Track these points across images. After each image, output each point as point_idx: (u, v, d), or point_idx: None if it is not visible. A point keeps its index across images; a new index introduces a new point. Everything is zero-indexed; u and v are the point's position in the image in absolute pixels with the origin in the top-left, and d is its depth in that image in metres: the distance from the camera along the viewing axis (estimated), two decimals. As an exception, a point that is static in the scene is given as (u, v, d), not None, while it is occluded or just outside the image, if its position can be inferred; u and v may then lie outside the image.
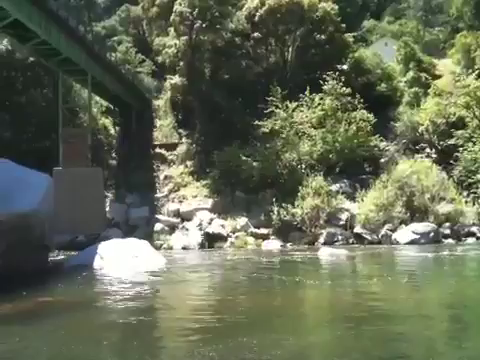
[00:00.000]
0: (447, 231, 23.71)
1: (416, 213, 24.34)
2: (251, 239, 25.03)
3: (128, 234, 24.61)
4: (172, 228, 27.10)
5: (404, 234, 23.37)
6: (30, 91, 33.08)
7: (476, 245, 21.85)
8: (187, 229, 26.39)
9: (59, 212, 17.89)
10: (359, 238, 24.11)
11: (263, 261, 19.31)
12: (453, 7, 46.41)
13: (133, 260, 16.76)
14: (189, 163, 32.39)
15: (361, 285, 13.69)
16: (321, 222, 24.67)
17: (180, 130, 34.96)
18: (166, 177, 32.40)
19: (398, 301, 11.06)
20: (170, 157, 33.89)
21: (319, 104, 29.46)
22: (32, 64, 32.93)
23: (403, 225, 23.92)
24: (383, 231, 23.96)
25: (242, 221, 25.80)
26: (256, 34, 34.40)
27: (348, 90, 29.45)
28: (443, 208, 24.28)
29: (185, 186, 31.05)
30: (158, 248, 22.53)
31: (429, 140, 29.78)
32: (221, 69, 35.14)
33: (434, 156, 29.02)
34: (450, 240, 23.29)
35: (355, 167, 28.06)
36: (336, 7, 35.36)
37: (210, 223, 26.17)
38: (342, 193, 26.25)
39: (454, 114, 29.07)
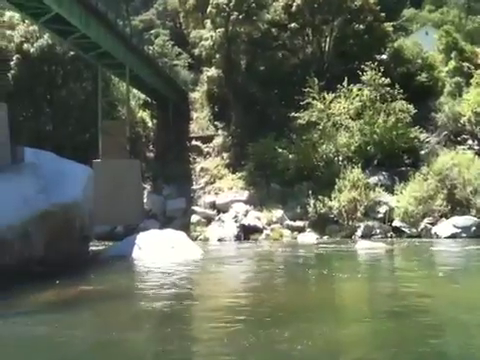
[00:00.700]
0: (489, 225, 22.97)
1: (457, 206, 23.65)
2: (287, 231, 24.96)
3: (165, 225, 24.98)
4: (208, 220, 27.30)
5: (444, 228, 22.78)
6: (70, 85, 33.86)
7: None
8: (223, 221, 26.50)
9: (98, 203, 18.26)
10: (398, 231, 23.65)
11: (299, 254, 19.23)
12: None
13: (170, 251, 16.98)
14: (225, 155, 32.49)
15: (399, 279, 13.43)
16: (358, 215, 24.33)
17: (216, 122, 35.05)
18: (202, 169, 32.61)
19: (437, 296, 10.80)
20: (206, 149, 34.07)
21: (357, 95, 28.92)
22: (72, 58, 33.62)
23: (443, 218, 23.32)
24: (423, 224, 23.43)
25: (278, 213, 25.74)
26: (293, 25, 33.99)
27: (387, 80, 28.79)
28: (486, 201, 23.53)
29: (221, 178, 31.20)
30: (194, 239, 22.73)
31: (471, 131, 28.84)
32: (257, 61, 34.97)
33: (476, 148, 28.07)
34: (493, 234, 22.56)
35: (394, 159, 27.47)
36: (375, -4, 34.59)
37: (246, 215, 26.21)
38: (380, 186, 25.76)
39: (498, 104, 28.05)
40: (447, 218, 23.22)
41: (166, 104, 36.51)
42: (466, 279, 13.22)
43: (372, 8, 34.12)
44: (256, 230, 25.08)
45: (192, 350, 7.12)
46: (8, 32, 35.63)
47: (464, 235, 22.06)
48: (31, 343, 7.37)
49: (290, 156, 27.91)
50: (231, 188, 29.47)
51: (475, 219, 22.76)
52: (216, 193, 29.77)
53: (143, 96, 37.99)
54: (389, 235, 23.59)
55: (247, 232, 24.96)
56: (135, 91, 35.95)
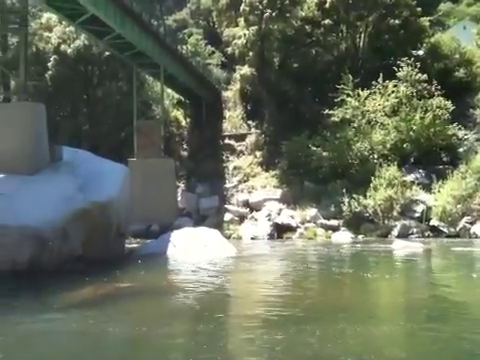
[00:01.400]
0: None
1: (497, 205, 22.99)
2: (321, 230, 24.74)
3: (198, 223, 25.17)
4: (241, 218, 27.34)
5: (484, 227, 22.15)
6: (106, 85, 34.46)
7: None
8: (256, 219, 26.49)
9: (134, 202, 18.49)
10: (435, 231, 23.13)
11: (333, 253, 19.00)
12: None
13: (204, 249, 17.03)
14: (258, 154, 32.46)
15: (437, 280, 13.12)
16: (395, 214, 23.91)
17: (249, 121, 35.06)
18: (235, 167, 32.67)
19: (475, 298, 10.48)
20: (239, 148, 34.11)
21: (393, 91, 28.38)
22: (108, 58, 34.21)
23: (483, 218, 22.69)
24: (461, 224, 22.83)
25: (312, 212, 25.54)
26: (327, 21, 33.64)
27: (424, 76, 28.19)
28: None
29: (254, 176, 31.19)
30: (227, 238, 22.73)
31: (512, 127, 27.96)
32: (290, 58, 34.80)
33: (517, 145, 27.22)
34: None
35: (431, 157, 26.86)
36: (411, -10, 33.84)
37: (279, 214, 26.12)
38: (417, 184, 25.24)
39: None
40: (486, 217, 22.57)
41: (199, 103, 36.75)
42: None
43: (408, 3, 33.42)
44: (289, 229, 24.96)
45: (223, 346, 7.14)
46: (46, 34, 36.53)
47: (505, 235, 21.40)
48: (67, 338, 7.52)
49: (324, 154, 27.64)
50: (264, 186, 29.42)
51: (516, 218, 22.07)
52: (249, 191, 29.77)
53: (177, 95, 38.34)
54: (426, 235, 23.11)
55: (280, 231, 24.87)
56: (169, 90, 36.31)
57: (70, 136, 30.10)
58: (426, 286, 12.09)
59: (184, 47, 36.20)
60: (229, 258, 16.69)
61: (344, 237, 23.66)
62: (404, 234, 22.95)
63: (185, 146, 36.17)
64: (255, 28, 33.08)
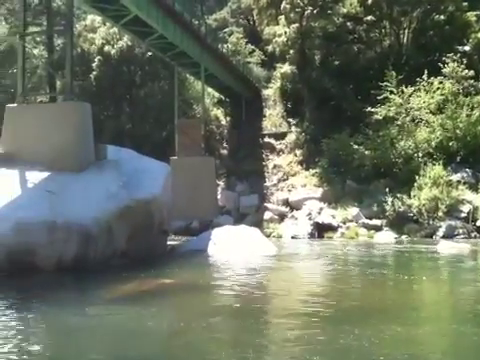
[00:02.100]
0: None
1: None
2: (363, 230, 24.34)
3: (238, 221, 25.26)
4: (281, 217, 27.25)
5: None
6: (148, 85, 35.05)
7: None
8: (296, 218, 26.34)
9: (175, 199, 18.73)
10: (482, 232, 22.37)
11: (376, 253, 18.67)
12: None
13: (245, 247, 17.07)
14: (298, 152, 32.27)
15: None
16: (440, 214, 23.25)
17: (289, 119, 34.90)
18: (275, 166, 32.61)
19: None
20: (279, 146, 34.02)
21: (438, 88, 27.63)
22: (150, 59, 34.80)
23: None
24: (510, 225, 22.01)
25: (353, 211, 25.16)
26: (369, 17, 33.10)
27: (471, 73, 27.36)
28: None
29: (294, 175, 31.03)
30: (267, 236, 22.71)
31: None
32: (331, 55, 34.42)
33: None
34: None
35: (478, 155, 25.96)
36: (457, -15, 32.83)
37: (320, 213, 25.87)
38: (464, 183, 24.47)
39: None
40: None
41: (239, 101, 36.87)
42: None
43: (453, -3, 32.46)
44: (330, 228, 24.68)
45: (262, 343, 7.13)
46: (90, 35, 37.49)
47: None
48: (111, 331, 7.66)
49: (366, 152, 27.19)
50: (304, 185, 29.22)
51: None
52: (289, 190, 29.65)
53: (217, 94, 38.57)
54: (473, 235, 22.36)
55: (321, 230, 24.63)
56: (209, 89, 36.57)
57: (114, 135, 30.79)
58: (472, 288, 11.69)
59: (224, 46, 36.40)
60: (269, 256, 16.66)
61: (387, 237, 23.20)
62: (449, 235, 22.29)
63: (225, 144, 36.37)
64: (296, 26, 32.91)
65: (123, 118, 35.43)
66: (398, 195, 24.18)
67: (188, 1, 32.07)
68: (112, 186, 14.84)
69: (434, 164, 24.91)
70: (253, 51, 43.02)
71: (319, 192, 27.61)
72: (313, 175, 29.51)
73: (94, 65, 35.54)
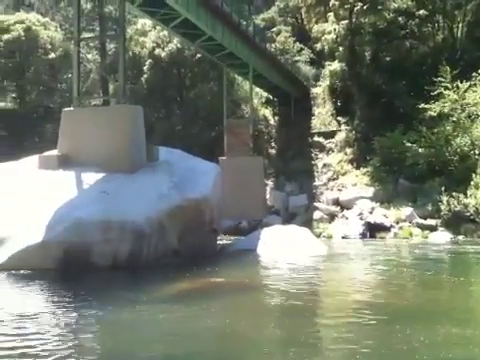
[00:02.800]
0: None
1: None
2: (417, 230, 23.64)
3: (287, 221, 25.16)
4: (331, 217, 26.90)
5: None
6: (198, 86, 35.50)
7: None
8: (347, 218, 25.93)
9: (224, 199, 18.86)
10: None
11: (430, 254, 18.09)
12: None
13: (295, 247, 16.97)
14: (348, 151, 31.78)
15: None
16: (498, 214, 22.28)
17: (339, 117, 34.42)
18: (324, 165, 32.26)
19: None
20: (329, 145, 33.63)
21: (496, 83, 26.49)
22: (199, 60, 35.23)
23: None
24: None
25: (407, 211, 24.48)
26: (421, 12, 32.13)
27: None
28: None
29: (344, 174, 30.58)
30: (317, 236, 22.48)
31: None
32: (382, 51, 33.63)
33: None
34: None
35: None
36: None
37: (371, 212, 25.34)
38: (523, 181, 23.32)
39: None
40: None
41: (288, 101, 36.72)
42: None
43: (511, -12, 31.02)
44: (383, 228, 24.10)
45: (315, 343, 7.16)
46: (141, 38, 38.39)
47: None
48: (163, 328, 7.83)
49: (420, 150, 26.37)
50: (355, 184, 28.73)
51: None
52: (339, 189, 29.25)
53: (265, 94, 38.56)
54: None
55: (373, 230, 24.11)
56: (258, 89, 36.62)
57: (164, 136, 31.38)
58: None
59: (272, 46, 36.33)
60: (319, 257, 16.49)
61: (442, 237, 22.44)
62: (510, 235, 21.33)
63: (273, 144, 36.31)
64: (345, 22, 32.44)
65: (173, 119, 36.04)
66: (454, 194, 23.31)
67: (236, 2, 32.28)
68: (164, 186, 15.16)
69: (493, 161, 23.90)
70: (301, 49, 42.74)
71: (370, 191, 27.06)
72: (364, 174, 28.96)
73: (145, 68, 36.34)
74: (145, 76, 36.29)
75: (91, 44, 42.80)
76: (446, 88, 26.97)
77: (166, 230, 14.24)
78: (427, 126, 27.29)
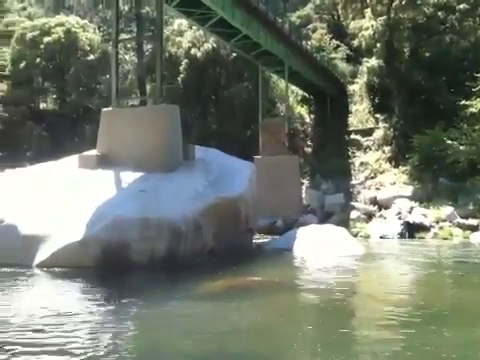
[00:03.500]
0: None
1: None
2: (457, 230, 22.97)
3: (323, 221, 24.87)
4: (369, 216, 26.42)
5: None
6: (233, 85, 35.58)
7: None
8: (385, 218, 25.44)
9: (259, 198, 18.85)
10: None
11: (471, 255, 17.56)
12: None
13: (331, 246, 16.78)
14: (386, 149, 31.21)
15: None
16: None
17: (377, 115, 33.87)
18: (362, 163, 31.79)
19: None
20: (366, 143, 33.13)
21: None
22: (234, 59, 35.29)
23: None
24: None
25: (447, 210, 23.82)
26: (462, 6, 31.21)
27: None
28: None
29: (382, 173, 30.06)
30: (354, 236, 22.15)
31: None
32: (422, 47, 32.83)
33: None
34: None
35: None
36: None
37: (410, 212, 24.77)
38: None
39: None
40: None
41: (324, 98, 36.38)
42: None
43: None
44: (422, 228, 23.52)
45: (351, 344, 7.09)
46: (177, 39, 38.78)
47: None
48: (201, 328, 7.88)
49: (461, 148, 25.60)
50: (394, 183, 28.20)
51: None
52: (377, 188, 28.75)
53: (301, 92, 38.32)
54: None
55: (412, 230, 23.54)
56: (293, 87, 36.41)
57: (200, 135, 31.61)
58: None
59: (308, 43, 36.05)
60: (356, 257, 16.24)
61: (485, 238, 21.75)
62: None
63: (309, 142, 36.06)
64: (383, 18, 31.88)
65: (209, 119, 36.28)
66: (497, 193, 22.61)
67: (272, 0, 32.15)
68: (200, 185, 15.28)
69: None
70: (338, 46, 42.26)
71: (409, 190, 26.47)
72: (403, 172, 28.39)
73: (181, 68, 36.68)
74: (181, 76, 36.63)
75: (128, 45, 43.54)
76: (488, 84, 26.14)
77: (202, 228, 14.35)
78: (468, 123, 26.49)
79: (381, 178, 29.49)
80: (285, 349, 6.87)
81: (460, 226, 23.10)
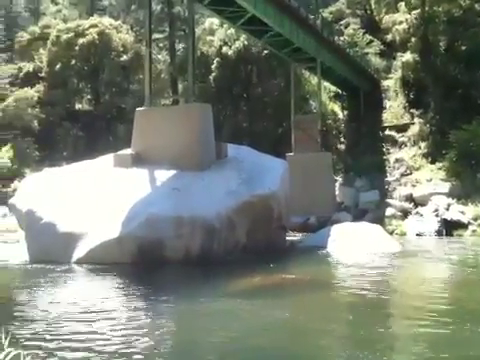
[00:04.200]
0: None
1: None
2: (498, 228, 22.34)
3: (358, 218, 24.54)
4: (404, 213, 25.94)
5: None
6: (265, 82, 35.50)
7: None
8: (421, 215, 24.92)
9: (292, 196, 18.77)
10: None
11: (513, 253, 17.03)
12: None
13: (366, 244, 16.57)
14: (422, 145, 30.57)
15: None
16: None
17: (412, 110, 33.19)
18: (397, 160, 31.22)
19: None
20: (401, 139, 32.53)
21: None
22: (266, 56, 35.19)
23: None
24: None
25: (486, 207, 23.19)
26: (500, -3, 30.32)
27: None
28: None
29: (418, 169, 29.45)
30: (390, 233, 21.77)
31: None
32: (458, 40, 31.99)
33: None
34: None
35: None
36: None
37: (447, 209, 24.17)
38: None
39: None
40: None
41: (357, 94, 35.89)
42: None
43: None
44: (460, 225, 22.92)
45: (387, 341, 7.02)
46: (209, 37, 38.94)
47: None
48: (236, 325, 7.89)
49: (501, 143, 24.91)
50: (430, 179, 27.57)
51: None
52: (413, 185, 28.16)
53: (334, 88, 37.90)
54: None
55: (449, 227, 22.98)
56: (326, 83, 36.04)
57: (232, 133, 31.69)
58: None
59: (341, 38, 35.63)
60: (392, 255, 15.98)
61: (527, 236, 21.06)
62: None
63: (342, 139, 35.65)
64: (417, 12, 31.22)
65: (241, 116, 36.31)
66: None
67: (303, -4, 31.89)
68: (232, 183, 15.34)
69: None
70: (371, 41, 41.55)
71: (446, 187, 25.85)
72: (440, 169, 27.73)
73: (213, 66, 36.83)
74: (213, 74, 36.77)
75: (161, 45, 44.00)
76: None
77: (235, 226, 14.40)
78: (509, 118, 25.69)
79: (417, 175, 28.89)
80: (319, 347, 6.84)
81: (500, 223, 22.44)
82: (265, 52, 34.77)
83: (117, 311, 8.56)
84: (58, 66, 38.82)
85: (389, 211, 26.02)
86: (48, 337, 6.88)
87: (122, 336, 6.97)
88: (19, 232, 18.08)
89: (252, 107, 35.92)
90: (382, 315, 8.58)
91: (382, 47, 40.77)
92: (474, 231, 22.44)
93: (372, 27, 42.60)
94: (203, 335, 7.26)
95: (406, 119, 33.18)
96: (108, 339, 6.84)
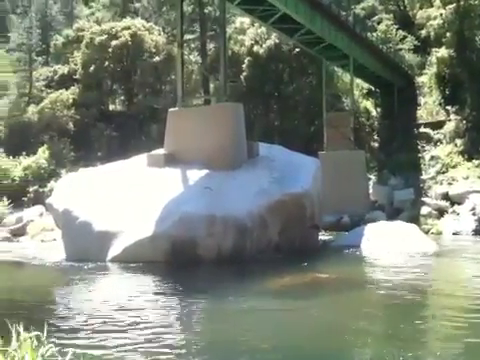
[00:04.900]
0: None
1: None
2: None
3: (392, 217, 24.14)
4: (440, 212, 25.36)
5: None
6: (296, 80, 35.28)
7: None
8: (458, 213, 24.33)
9: (325, 194, 18.61)
10: None
11: None
12: None
13: (401, 243, 16.29)
14: (459, 142, 29.80)
15: None
16: None
17: (447, 106, 32.38)
18: (432, 158, 30.54)
19: None
20: (436, 136, 31.80)
21: None
22: (297, 55, 34.96)
23: None
24: None
25: (526, 206, 22.46)
26: None
27: None
28: None
29: (454, 167, 28.73)
30: (425, 233, 21.32)
31: None
32: (495, 34, 31.12)
33: None
34: None
35: None
36: None
37: (485, 207, 23.55)
38: None
39: None
40: None
41: (390, 91, 35.30)
42: None
43: None
44: (499, 224, 22.32)
45: (423, 341, 7.01)
46: (240, 37, 38.95)
47: None
48: (270, 323, 7.92)
49: None
50: (467, 177, 26.87)
51: None
52: (449, 183, 27.50)
53: (366, 85, 37.38)
54: None
55: (487, 226, 22.41)
56: (358, 81, 35.57)
57: (263, 132, 31.61)
58: None
59: (374, 35, 35.10)
60: (428, 254, 15.67)
61: None
62: None
63: (376, 137, 35.12)
64: (452, 6, 30.43)
65: (272, 115, 36.19)
66: None
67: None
68: (264, 182, 15.32)
69: None
70: (405, 37, 40.74)
71: (484, 185, 25.17)
72: (477, 166, 27.02)
73: (244, 66, 36.82)
74: (244, 74, 36.77)
75: (192, 45, 44.25)
76: None
77: (267, 225, 14.38)
78: None
79: (453, 172, 28.20)
80: (353, 345, 6.81)
81: None
82: (296, 50, 34.55)
83: (150, 309, 8.68)
84: (92, 68, 39.51)
85: (424, 210, 25.49)
86: (83, 334, 7.03)
87: (154, 334, 7.06)
88: (56, 231, 18.56)
89: (283, 106, 35.75)
90: (416, 315, 8.45)
91: (416, 43, 39.94)
92: (514, 230, 21.78)
93: (405, 23, 41.76)
94: (235, 334, 7.28)
95: (441, 116, 32.42)
96: (140, 336, 6.94)
